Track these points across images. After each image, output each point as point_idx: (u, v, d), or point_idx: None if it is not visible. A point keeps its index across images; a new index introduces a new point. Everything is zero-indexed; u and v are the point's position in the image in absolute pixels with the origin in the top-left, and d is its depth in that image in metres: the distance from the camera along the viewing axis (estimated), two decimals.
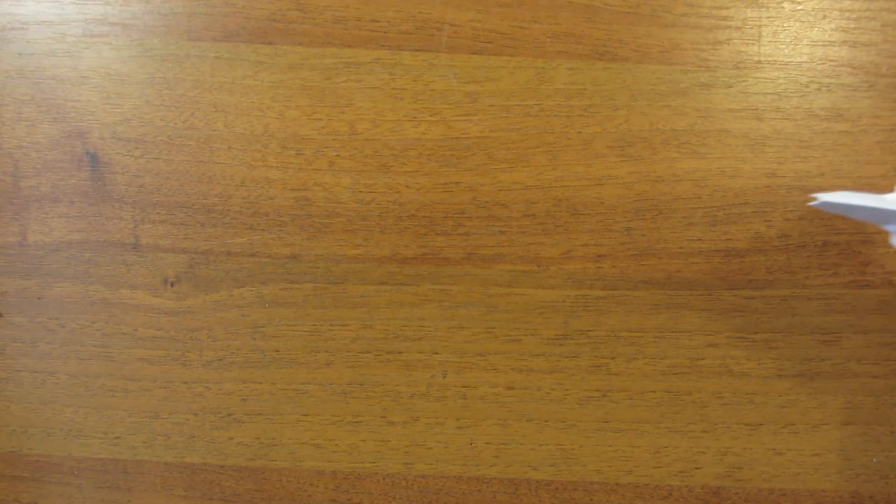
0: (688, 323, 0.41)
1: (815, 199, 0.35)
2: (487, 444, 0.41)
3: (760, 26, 0.41)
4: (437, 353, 0.41)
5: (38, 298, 0.41)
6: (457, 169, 0.41)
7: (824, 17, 0.42)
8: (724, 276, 0.41)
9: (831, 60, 0.41)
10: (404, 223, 0.41)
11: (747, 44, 0.41)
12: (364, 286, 0.41)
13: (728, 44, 0.41)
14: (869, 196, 0.35)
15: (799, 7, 0.42)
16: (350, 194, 0.41)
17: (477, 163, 0.41)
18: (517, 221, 0.41)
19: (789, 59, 0.41)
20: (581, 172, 0.41)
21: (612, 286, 0.41)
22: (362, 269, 0.41)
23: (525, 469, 0.41)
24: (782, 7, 0.42)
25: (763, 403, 0.41)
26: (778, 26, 0.41)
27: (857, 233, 0.41)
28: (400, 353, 0.41)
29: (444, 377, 0.41)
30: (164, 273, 0.41)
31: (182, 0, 0.41)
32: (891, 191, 0.36)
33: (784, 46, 0.41)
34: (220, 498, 0.41)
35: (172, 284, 0.41)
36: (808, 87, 0.41)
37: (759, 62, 0.41)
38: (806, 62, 0.41)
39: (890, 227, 0.37)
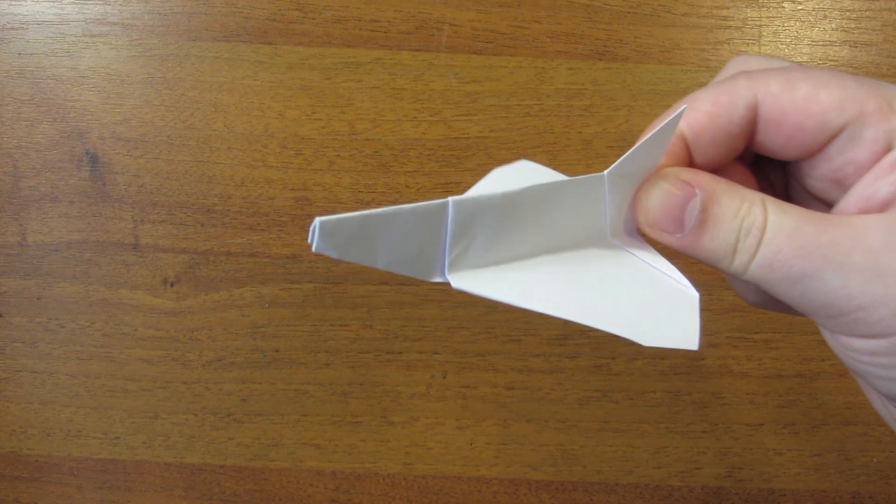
0: None
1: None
2: (487, 444, 0.41)
3: (760, 26, 0.41)
4: (437, 353, 0.41)
5: (38, 298, 0.41)
6: (457, 169, 0.41)
7: (824, 17, 0.42)
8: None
9: (831, 60, 0.41)
10: None
11: (747, 44, 0.41)
12: (364, 286, 0.41)
13: (728, 44, 0.41)
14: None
15: (799, 7, 0.42)
16: (350, 194, 0.41)
17: (477, 163, 0.41)
18: None
19: (789, 59, 0.41)
20: (581, 172, 0.41)
21: None
22: (362, 268, 0.41)
23: (525, 469, 0.41)
24: (782, 7, 0.41)
25: (763, 403, 0.41)
26: (778, 26, 0.41)
27: None
28: (400, 353, 0.41)
29: (444, 377, 0.41)
30: (163, 273, 0.40)
31: (182, 0, 0.41)
32: None
33: (784, 46, 0.41)
34: (220, 498, 0.41)
35: (172, 284, 0.41)
36: None
37: None
38: (806, 62, 0.41)
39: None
